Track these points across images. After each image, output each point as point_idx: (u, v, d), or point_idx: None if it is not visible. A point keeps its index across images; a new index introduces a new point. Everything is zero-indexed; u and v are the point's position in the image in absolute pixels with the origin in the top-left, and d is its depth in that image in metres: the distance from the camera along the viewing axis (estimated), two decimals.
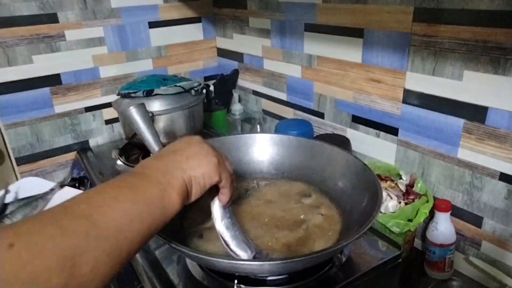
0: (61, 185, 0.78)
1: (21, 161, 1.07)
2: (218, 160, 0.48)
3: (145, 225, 0.38)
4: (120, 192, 0.39)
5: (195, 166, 0.46)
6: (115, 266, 0.35)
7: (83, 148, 1.16)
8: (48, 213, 0.34)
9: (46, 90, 1.06)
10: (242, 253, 0.53)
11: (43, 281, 0.29)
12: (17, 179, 1.09)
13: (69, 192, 0.77)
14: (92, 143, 1.18)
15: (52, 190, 0.76)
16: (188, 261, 0.63)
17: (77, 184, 0.93)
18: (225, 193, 0.52)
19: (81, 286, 0.31)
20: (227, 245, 0.53)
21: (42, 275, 0.29)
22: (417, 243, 0.83)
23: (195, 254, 0.50)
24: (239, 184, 0.77)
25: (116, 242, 0.35)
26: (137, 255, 0.68)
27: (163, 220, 0.41)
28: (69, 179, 0.98)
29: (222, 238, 0.54)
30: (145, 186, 0.41)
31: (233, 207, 0.69)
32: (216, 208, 0.54)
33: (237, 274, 0.54)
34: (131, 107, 0.77)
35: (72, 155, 1.15)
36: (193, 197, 0.46)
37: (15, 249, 0.29)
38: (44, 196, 0.74)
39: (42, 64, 1.04)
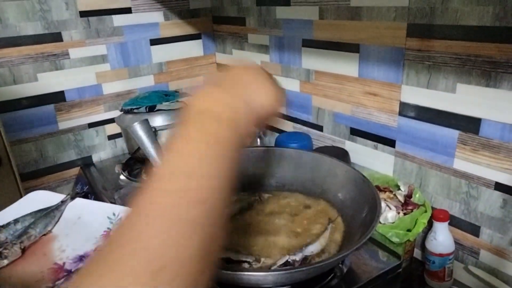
0: (72, 197, 0.81)
1: (25, 177, 1.09)
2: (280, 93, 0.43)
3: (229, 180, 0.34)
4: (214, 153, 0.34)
5: (262, 103, 0.41)
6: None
7: (86, 163, 1.18)
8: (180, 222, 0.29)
9: (50, 107, 1.09)
10: None
11: None
12: (21, 195, 1.10)
13: (81, 203, 0.80)
14: (95, 158, 1.20)
15: (64, 201, 0.79)
16: None
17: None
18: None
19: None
20: None
21: None
22: (417, 253, 0.84)
23: None
24: (242, 197, 0.79)
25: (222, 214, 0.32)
26: None
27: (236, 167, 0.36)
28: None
29: None
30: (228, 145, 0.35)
31: (236, 219, 0.71)
32: None
33: (241, 285, 0.55)
34: (135, 123, 0.79)
35: (75, 171, 1.16)
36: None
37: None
38: (58, 208, 0.77)
39: (47, 82, 1.07)
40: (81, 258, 0.66)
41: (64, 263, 0.65)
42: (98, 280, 0.25)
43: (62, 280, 0.62)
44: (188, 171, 0.32)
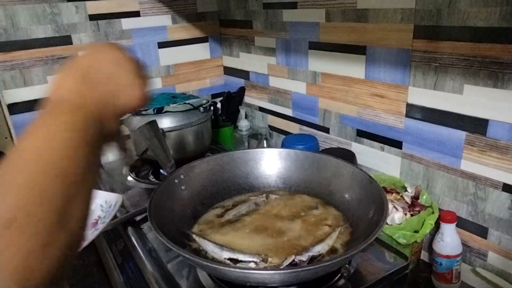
0: None
1: None
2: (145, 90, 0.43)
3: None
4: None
5: (126, 101, 0.42)
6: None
7: None
8: None
9: None
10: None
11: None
12: None
13: (99, 195, 0.80)
14: (103, 159, 1.21)
15: None
16: (199, 273, 0.65)
17: None
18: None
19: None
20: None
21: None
22: (424, 255, 0.84)
23: (208, 264, 0.51)
24: (249, 198, 0.79)
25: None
26: (150, 269, 0.69)
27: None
28: None
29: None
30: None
31: (243, 220, 0.72)
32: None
33: (248, 284, 0.55)
34: (144, 124, 0.80)
35: None
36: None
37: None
38: None
39: None
40: None
41: None
42: None
43: None
44: (39, 145, 0.33)
